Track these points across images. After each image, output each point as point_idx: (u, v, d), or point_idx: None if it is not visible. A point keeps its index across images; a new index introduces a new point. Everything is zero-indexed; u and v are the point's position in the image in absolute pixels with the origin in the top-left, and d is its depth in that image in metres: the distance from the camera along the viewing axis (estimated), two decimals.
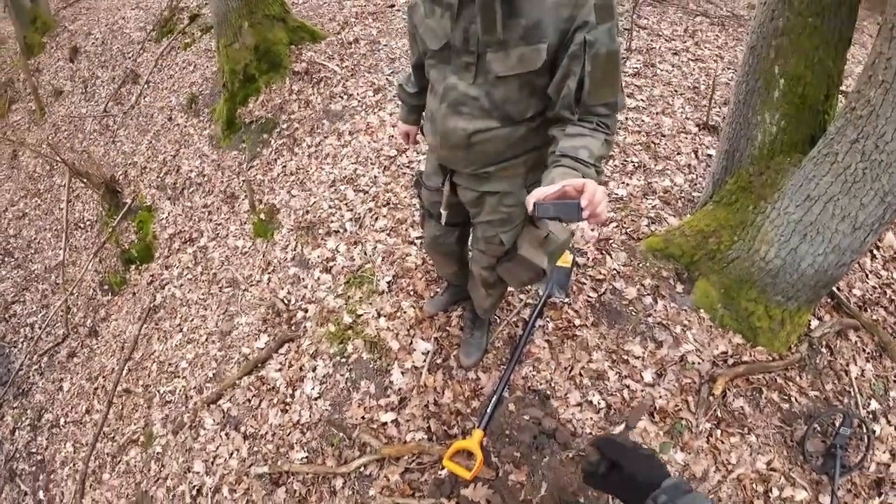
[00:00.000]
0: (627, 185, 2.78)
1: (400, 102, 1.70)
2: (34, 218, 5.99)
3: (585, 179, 0.90)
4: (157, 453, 2.79)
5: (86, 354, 4.05)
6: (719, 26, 4.77)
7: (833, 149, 1.66)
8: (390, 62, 4.13)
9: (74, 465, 3.37)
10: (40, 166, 6.37)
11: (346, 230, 2.80)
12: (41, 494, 3.54)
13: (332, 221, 2.86)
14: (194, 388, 2.82)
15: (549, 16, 1.05)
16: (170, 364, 3.11)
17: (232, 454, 2.38)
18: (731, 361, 2.05)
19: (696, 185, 2.80)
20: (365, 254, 2.64)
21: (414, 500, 1.90)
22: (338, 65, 4.11)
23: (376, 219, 2.78)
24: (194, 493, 2.39)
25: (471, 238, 1.76)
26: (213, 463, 2.43)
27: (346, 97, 3.75)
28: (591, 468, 0.80)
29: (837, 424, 1.87)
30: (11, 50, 8.53)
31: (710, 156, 2.95)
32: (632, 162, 2.94)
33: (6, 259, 5.86)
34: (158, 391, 3.05)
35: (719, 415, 1.93)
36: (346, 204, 2.92)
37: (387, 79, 3.92)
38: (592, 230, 0.90)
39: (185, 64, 5.39)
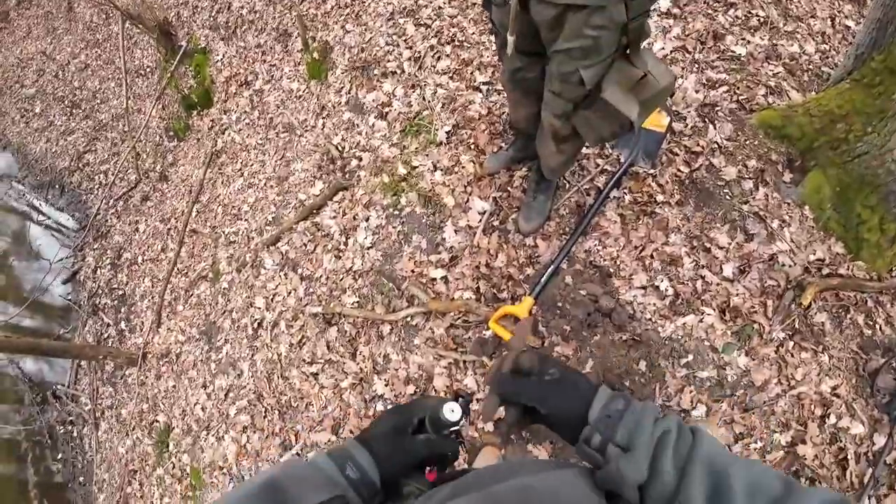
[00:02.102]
0: (748, 42, 2.24)
1: None
2: (96, 68, 6.01)
3: None
4: (224, 289, 2.98)
5: (158, 198, 4.26)
6: None
7: None
8: None
9: (152, 298, 3.72)
10: (96, 16, 6.22)
11: (404, 71, 2.51)
12: (122, 325, 4.00)
13: (388, 61, 2.56)
14: (255, 230, 2.88)
15: None
16: (233, 207, 3.18)
17: (290, 293, 2.47)
18: (825, 271, 1.78)
19: (827, 58, 2.24)
20: (423, 99, 2.38)
21: (456, 353, 1.88)
22: None
23: (438, 58, 2.45)
24: (256, 325, 2.55)
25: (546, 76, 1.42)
26: (272, 300, 2.55)
27: None
28: (510, 423, 0.57)
29: None
30: None
31: (847, 27, 2.33)
32: (757, 15, 2.34)
33: (74, 111, 6.04)
34: (223, 232, 3.16)
35: (797, 326, 1.72)
36: (404, 40, 2.58)
37: None
38: None
39: None
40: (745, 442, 1.62)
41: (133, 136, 4.45)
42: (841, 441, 1.61)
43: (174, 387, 3.06)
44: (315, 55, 2.83)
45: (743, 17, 2.36)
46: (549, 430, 0.55)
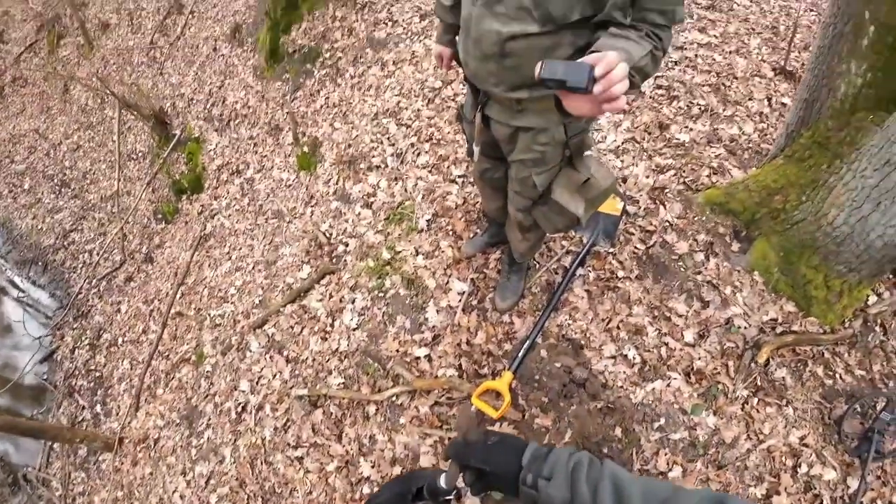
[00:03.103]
0: (691, 129, 2.56)
1: (437, 21, 1.57)
2: (88, 150, 6.23)
3: (607, 52, 0.78)
4: (207, 372, 2.99)
5: (142, 279, 4.31)
6: None
7: None
8: None
9: (131, 380, 3.67)
10: (92, 99, 6.55)
11: (387, 165, 2.75)
12: (98, 408, 3.89)
13: (373, 156, 2.81)
14: (242, 312, 2.95)
15: None
16: (219, 290, 3.26)
17: (275, 376, 2.51)
18: (779, 329, 1.94)
19: (766, 136, 2.56)
20: (406, 190, 2.60)
21: (441, 431, 1.95)
22: None
23: (418, 154, 2.70)
24: (239, 409, 2.56)
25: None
26: (257, 383, 2.58)
27: (390, 24, 3.57)
28: (470, 484, 0.69)
29: (879, 408, 1.77)
30: None
31: (784, 105, 2.67)
32: (698, 104, 2.69)
33: (63, 190, 6.19)
34: (209, 314, 3.22)
35: (759, 383, 1.85)
36: (388, 138, 2.85)
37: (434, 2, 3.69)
38: (605, 108, 0.73)
39: None
40: None
41: (121, 218, 4.58)
42: (815, 488, 1.67)
43: (151, 474, 2.96)
44: (305, 149, 3.08)
45: (685, 107, 2.69)
46: (502, 491, 0.67)
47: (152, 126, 4.46)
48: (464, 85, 1.69)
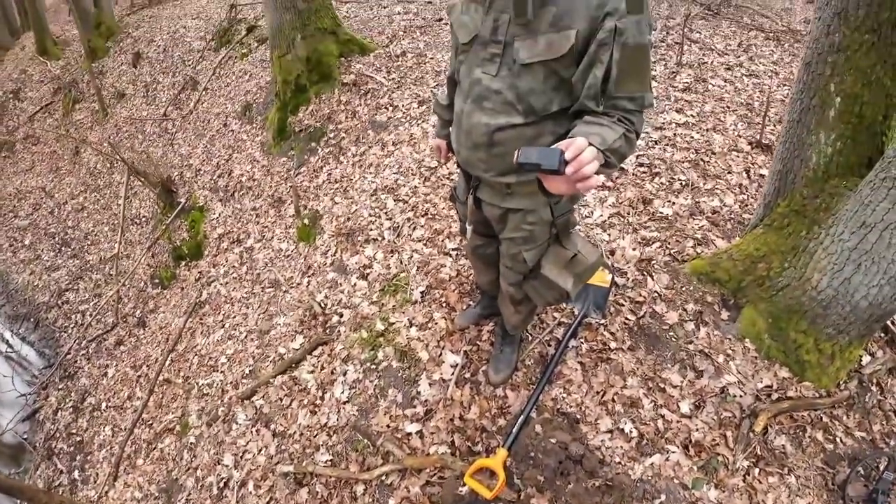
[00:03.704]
0: (673, 203, 2.72)
1: (435, 117, 1.74)
2: (92, 212, 6.39)
3: (576, 137, 0.89)
4: (191, 443, 2.90)
5: (132, 343, 4.27)
6: (775, 41, 4.63)
7: (891, 173, 1.58)
8: (436, 75, 4.22)
9: (111, 448, 3.54)
10: (101, 163, 6.81)
11: (384, 238, 2.86)
12: (76, 474, 3.73)
13: (371, 229, 2.93)
14: (231, 382, 2.92)
15: (580, 3, 1.06)
16: (210, 358, 3.24)
17: (260, 450, 2.44)
18: (775, 396, 1.95)
19: (747, 206, 2.70)
20: (401, 263, 2.69)
21: None
22: (385, 77, 4.23)
23: (414, 228, 2.83)
24: (221, 485, 2.46)
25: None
26: (241, 457, 2.50)
27: (391, 108, 3.85)
28: None
29: (881, 468, 1.77)
30: (76, 52, 9.22)
31: (762, 176, 2.84)
32: (679, 180, 2.86)
33: (63, 249, 6.27)
34: (197, 383, 3.17)
35: (759, 452, 1.83)
36: (385, 213, 2.99)
37: (432, 91, 4.01)
38: (579, 186, 0.83)
39: (241, 73, 5.68)
40: None
41: (118, 280, 4.62)
42: None
43: None
44: (305, 221, 3.21)
45: (667, 183, 2.86)
46: None
47: (158, 193, 4.63)
48: (444, 163, 1.86)
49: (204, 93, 5.90)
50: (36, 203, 7.31)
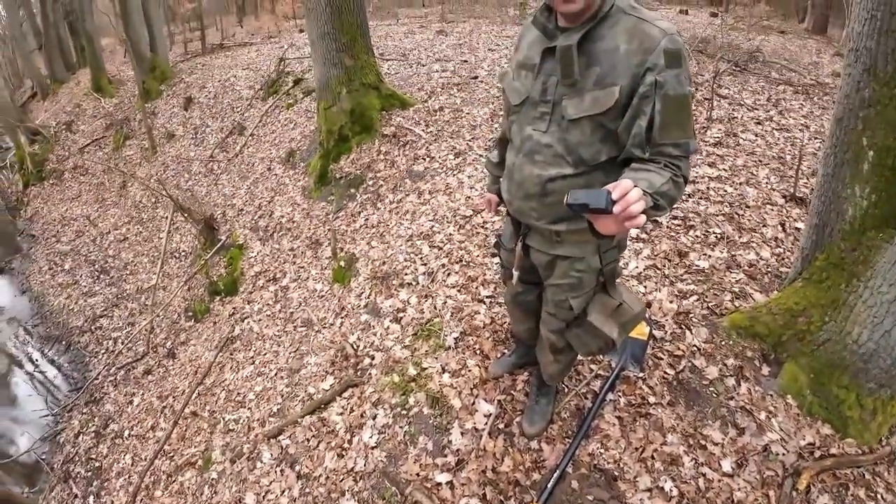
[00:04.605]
0: (710, 256, 2.72)
1: (486, 173, 1.84)
2: (134, 243, 6.67)
3: (623, 180, 0.95)
4: (212, 479, 2.88)
5: (160, 374, 4.34)
6: (804, 94, 4.71)
7: None
8: (471, 129, 4.42)
9: (129, 477, 3.52)
10: (146, 198, 7.17)
11: (418, 283, 2.92)
12: (91, 500, 3.70)
13: (405, 274, 3.00)
14: (257, 420, 2.93)
15: (622, 62, 1.16)
16: (238, 393, 3.26)
17: (284, 492, 2.41)
18: (818, 454, 1.89)
19: (783, 259, 2.68)
20: (435, 308, 2.73)
21: None
22: (423, 130, 4.45)
23: (448, 274, 2.88)
24: None
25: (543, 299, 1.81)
26: (263, 497, 2.47)
27: (428, 159, 4.03)
28: None
29: None
30: (130, 92, 9.94)
31: (798, 229, 2.83)
32: (714, 233, 2.88)
33: (101, 276, 6.52)
34: (223, 418, 3.19)
35: None
36: (420, 258, 3.07)
37: (467, 144, 4.18)
38: (627, 225, 0.89)
39: (286, 121, 6.04)
40: None
41: (153, 311, 4.75)
42: None
43: None
44: (342, 263, 3.31)
45: (702, 236, 2.86)
46: None
47: (200, 229, 4.84)
48: (493, 216, 1.92)
49: (250, 138, 6.27)
50: (79, 230, 7.67)
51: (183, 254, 5.49)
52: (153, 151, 7.89)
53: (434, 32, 7.88)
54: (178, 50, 12.45)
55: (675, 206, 1.27)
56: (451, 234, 3.18)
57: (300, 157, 5.06)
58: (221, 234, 4.75)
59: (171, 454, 3.39)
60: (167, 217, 5.88)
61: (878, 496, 1.81)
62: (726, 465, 1.88)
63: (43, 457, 4.52)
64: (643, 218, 0.94)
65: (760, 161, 3.58)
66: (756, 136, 3.94)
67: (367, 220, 3.72)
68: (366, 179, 4.11)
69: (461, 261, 2.97)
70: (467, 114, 4.73)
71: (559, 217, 1.39)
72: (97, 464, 3.98)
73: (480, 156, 3.90)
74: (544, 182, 1.34)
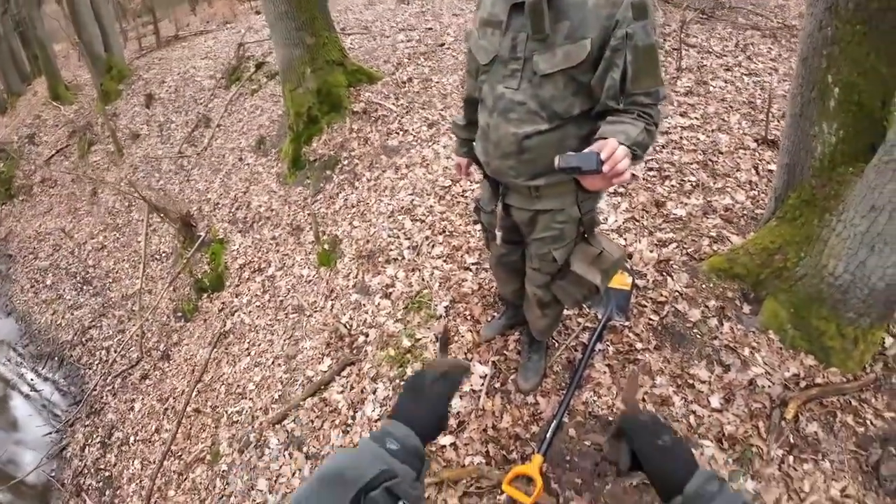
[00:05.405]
0: (686, 204, 2.76)
1: (454, 137, 1.83)
2: (112, 250, 6.52)
3: (609, 139, 1.00)
4: (223, 471, 2.92)
5: (158, 377, 4.33)
6: (771, 38, 4.71)
7: (893, 155, 1.64)
8: (442, 98, 4.36)
9: (141, 481, 3.56)
10: (119, 202, 6.98)
11: (404, 258, 2.93)
12: None
13: (391, 250, 3.00)
14: (260, 408, 2.96)
15: (591, 15, 1.17)
16: (238, 386, 3.28)
17: (294, 473, 2.47)
18: (803, 384, 1.97)
19: (758, 202, 2.74)
20: (423, 280, 2.75)
21: None
22: (393, 103, 4.37)
23: (433, 246, 2.89)
24: None
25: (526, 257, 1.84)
26: (276, 481, 2.52)
27: (402, 133, 3.97)
28: (614, 461, 0.71)
29: None
30: (89, 96, 9.56)
31: (771, 171, 2.88)
32: (689, 181, 2.92)
33: (85, 287, 6.38)
34: (226, 412, 3.21)
35: (791, 440, 1.85)
36: (403, 233, 3.06)
37: (440, 114, 4.13)
38: (615, 181, 1.03)
39: (252, 108, 5.88)
40: None
41: (141, 315, 4.70)
42: None
43: None
44: (325, 246, 3.29)
45: (678, 185, 2.91)
46: (649, 481, 0.68)
47: (178, 228, 4.76)
48: (472, 183, 1.92)
49: (217, 129, 6.10)
50: (56, 244, 7.47)
51: (164, 255, 5.40)
52: (120, 154, 7.64)
53: (395, 2, 7.65)
54: (133, 47, 11.92)
55: (647, 153, 1.31)
56: (431, 206, 3.18)
57: (271, 143, 4.96)
58: (200, 230, 4.67)
59: (179, 453, 3.42)
60: (143, 219, 5.76)
61: (867, 421, 1.89)
62: (715, 402, 1.96)
63: (52, 474, 4.53)
64: (630, 173, 0.99)
65: (731, 107, 3.60)
66: (726, 82, 3.95)
67: (346, 200, 3.68)
68: (340, 160, 4.05)
69: (444, 231, 2.98)
70: (437, 83, 4.65)
71: (537, 173, 1.40)
72: (107, 473, 4.00)
73: None
74: (520, 140, 1.35)
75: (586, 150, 0.99)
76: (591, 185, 1.08)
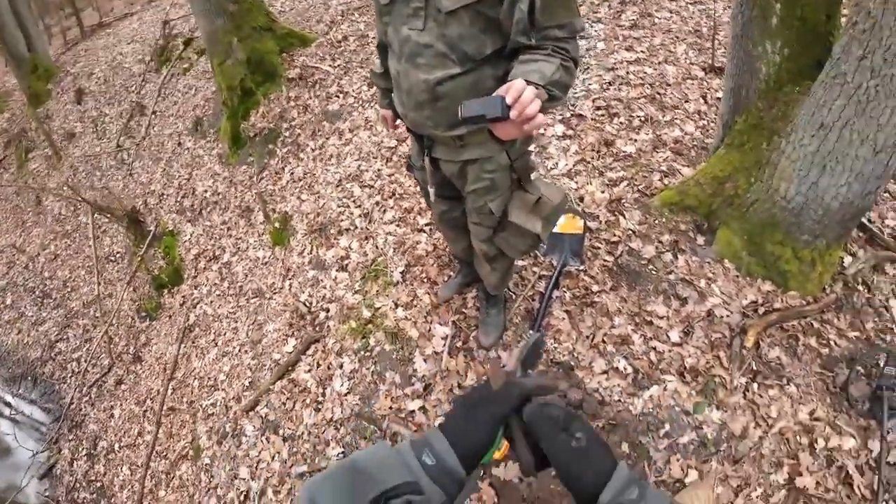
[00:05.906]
0: (636, 140, 2.69)
1: (376, 89, 1.70)
2: (66, 258, 6.24)
3: (514, 81, 0.87)
4: (206, 465, 2.90)
5: (132, 380, 4.23)
6: None
7: (841, 70, 1.57)
8: None
9: (132, 487, 3.53)
10: (65, 208, 6.63)
11: (356, 227, 2.83)
12: None
13: (342, 220, 2.89)
14: (233, 398, 2.91)
15: None
16: (209, 378, 3.22)
17: (273, 457, 2.45)
18: (762, 311, 1.96)
19: (708, 131, 2.69)
20: (377, 247, 2.66)
21: None
22: (330, 65, 4.13)
23: (384, 211, 2.79)
24: (242, 498, 2.47)
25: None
26: (256, 467, 2.51)
27: (342, 96, 3.77)
28: (526, 463, 0.58)
29: (882, 364, 1.75)
30: (19, 101, 8.88)
31: (719, 99, 2.82)
32: (637, 117, 2.84)
33: (45, 301, 6.14)
34: (201, 406, 3.16)
35: (755, 367, 1.85)
36: (353, 201, 2.95)
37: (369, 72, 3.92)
38: (527, 127, 0.88)
39: (186, 89, 5.51)
40: (745, 493, 1.61)
41: (105, 321, 4.54)
42: (837, 460, 1.62)
43: None
44: (276, 224, 3.16)
45: (626, 122, 2.83)
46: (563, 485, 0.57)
47: (127, 226, 4.53)
48: (393, 133, 1.81)
49: (153, 116, 5.73)
50: (9, 261, 7.13)
51: (118, 255, 5.17)
52: (58, 157, 7.18)
53: None
54: (58, 42, 11.01)
55: (568, 92, 1.19)
56: (379, 170, 3.05)
57: (209, 123, 4.68)
58: (149, 225, 4.46)
59: (164, 453, 3.39)
60: (89, 223, 5.47)
61: (831, 342, 1.88)
62: (674, 336, 1.96)
63: (46, 493, 4.48)
64: (542, 117, 0.87)
65: (678, 37, 3.48)
66: (671, 13, 3.81)
67: (292, 174, 3.51)
68: (281, 131, 3.84)
69: (394, 195, 2.87)
70: (374, 39, 4.37)
71: (456, 121, 1.28)
72: (98, 483, 3.97)
73: None
74: (432, 86, 1.24)
75: (491, 96, 0.86)
76: (503, 134, 0.94)
